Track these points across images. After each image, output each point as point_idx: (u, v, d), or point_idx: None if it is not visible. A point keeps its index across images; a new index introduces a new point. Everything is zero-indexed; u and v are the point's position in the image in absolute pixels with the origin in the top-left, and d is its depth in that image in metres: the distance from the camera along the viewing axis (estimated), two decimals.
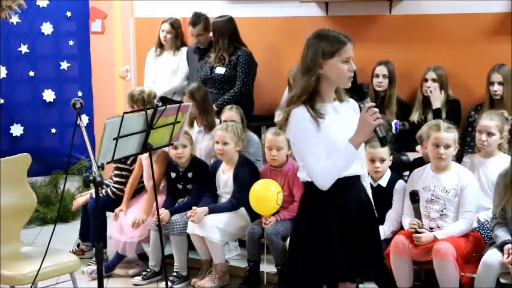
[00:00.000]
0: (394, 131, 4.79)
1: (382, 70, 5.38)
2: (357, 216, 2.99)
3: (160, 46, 6.23)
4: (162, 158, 4.90)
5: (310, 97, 2.91)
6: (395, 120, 4.87)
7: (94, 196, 4.99)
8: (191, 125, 5.20)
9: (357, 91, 2.92)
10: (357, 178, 3.05)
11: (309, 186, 2.96)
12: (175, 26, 6.16)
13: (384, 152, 4.34)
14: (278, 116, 5.25)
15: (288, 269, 3.24)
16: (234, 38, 5.80)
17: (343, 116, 2.99)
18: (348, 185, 2.96)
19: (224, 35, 5.75)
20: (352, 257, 2.96)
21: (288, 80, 5.49)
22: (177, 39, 6.19)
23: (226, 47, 5.73)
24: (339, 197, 2.93)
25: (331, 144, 2.88)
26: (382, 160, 4.35)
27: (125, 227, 4.83)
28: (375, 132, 2.84)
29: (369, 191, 3.20)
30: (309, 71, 2.91)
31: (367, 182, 3.22)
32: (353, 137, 2.86)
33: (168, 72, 6.16)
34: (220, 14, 5.95)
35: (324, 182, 2.89)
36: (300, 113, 2.89)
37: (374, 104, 2.87)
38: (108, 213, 5.07)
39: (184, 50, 6.20)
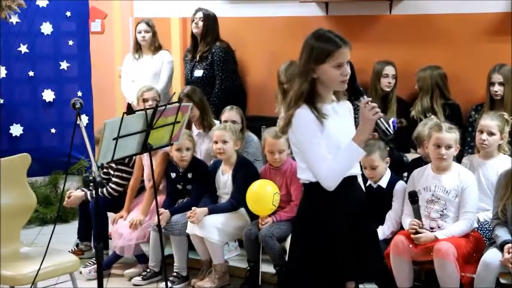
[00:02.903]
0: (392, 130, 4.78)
1: (391, 70, 5.39)
2: (357, 216, 2.99)
3: (139, 48, 6.13)
4: (163, 159, 4.90)
5: (310, 98, 2.89)
6: (392, 119, 4.88)
7: (90, 196, 5.03)
8: (189, 128, 5.16)
9: (352, 92, 2.88)
10: (356, 178, 3.06)
11: (312, 187, 2.94)
12: (151, 24, 6.08)
13: (376, 158, 4.30)
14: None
15: (290, 270, 3.17)
16: (217, 36, 5.86)
17: (342, 117, 2.99)
18: (349, 185, 2.95)
19: (214, 30, 5.82)
20: (353, 256, 2.96)
21: (278, 77, 5.48)
22: (155, 38, 6.10)
23: (210, 45, 5.77)
24: (341, 197, 2.92)
25: (334, 144, 2.86)
26: (373, 168, 4.33)
27: (123, 230, 4.83)
28: (376, 126, 2.81)
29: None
30: (302, 75, 2.91)
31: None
32: (356, 135, 2.85)
33: (149, 75, 6.04)
34: (219, 13, 5.95)
35: (330, 182, 2.87)
36: (304, 114, 2.87)
37: (370, 99, 2.84)
38: (108, 213, 5.07)
39: (162, 52, 6.11)
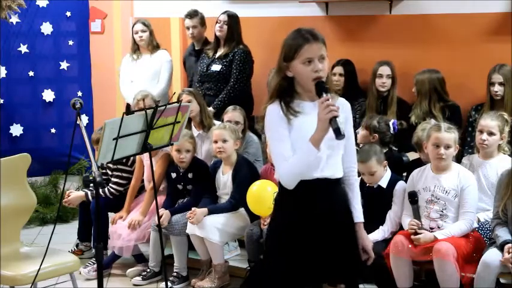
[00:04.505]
0: (392, 131, 4.78)
1: (386, 70, 5.37)
2: (323, 220, 2.84)
3: (137, 49, 6.11)
4: (164, 161, 4.90)
5: (287, 95, 2.85)
6: (392, 120, 4.86)
7: (90, 196, 5.03)
8: (188, 129, 5.15)
9: (316, 88, 2.77)
10: (331, 181, 2.86)
11: (280, 184, 2.90)
12: (147, 24, 6.07)
13: (373, 164, 4.27)
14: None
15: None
16: (240, 39, 5.85)
17: None
18: (317, 187, 2.83)
19: (238, 34, 5.81)
20: (318, 260, 2.83)
21: (266, 85, 5.55)
22: (152, 36, 6.10)
23: (233, 49, 5.78)
24: (303, 198, 2.83)
25: (302, 143, 2.77)
26: (371, 174, 4.32)
27: (121, 230, 4.82)
28: (329, 125, 2.69)
29: (357, 195, 2.99)
30: (277, 72, 2.89)
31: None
32: (312, 135, 2.74)
33: (148, 75, 6.04)
34: (219, 13, 5.94)
35: (287, 181, 2.82)
36: (272, 110, 2.84)
37: (326, 98, 2.72)
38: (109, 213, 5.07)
39: (161, 52, 6.11)
